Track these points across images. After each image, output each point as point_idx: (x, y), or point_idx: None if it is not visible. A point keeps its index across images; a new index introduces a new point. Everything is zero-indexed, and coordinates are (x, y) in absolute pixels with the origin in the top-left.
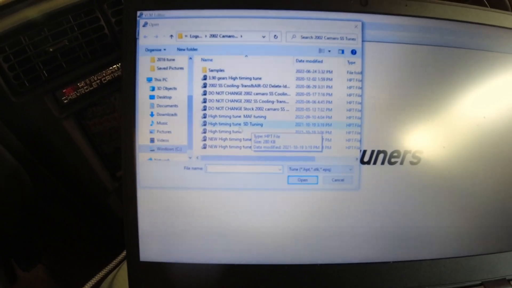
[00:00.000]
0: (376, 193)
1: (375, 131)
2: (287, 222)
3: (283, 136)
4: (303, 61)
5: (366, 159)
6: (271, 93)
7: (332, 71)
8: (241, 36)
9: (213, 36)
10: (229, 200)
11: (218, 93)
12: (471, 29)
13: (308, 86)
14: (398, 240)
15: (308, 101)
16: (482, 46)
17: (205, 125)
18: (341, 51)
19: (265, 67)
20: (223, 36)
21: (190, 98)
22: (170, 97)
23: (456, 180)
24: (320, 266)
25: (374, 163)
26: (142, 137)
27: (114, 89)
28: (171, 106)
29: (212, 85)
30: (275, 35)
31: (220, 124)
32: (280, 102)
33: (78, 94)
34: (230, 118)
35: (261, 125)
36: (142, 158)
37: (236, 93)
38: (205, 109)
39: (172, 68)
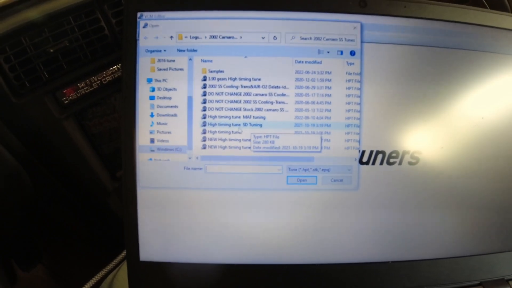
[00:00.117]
0: (374, 193)
1: (373, 132)
2: (286, 222)
3: (282, 137)
4: (302, 62)
5: (365, 159)
6: (270, 94)
7: (331, 72)
8: (241, 37)
9: (213, 37)
10: (228, 200)
11: (217, 93)
12: (470, 30)
13: (307, 87)
14: (397, 240)
15: (307, 102)
16: (481, 47)
17: (204, 125)
18: (340, 52)
19: (264, 68)
20: (223, 37)
21: (190, 99)
22: (170, 98)
23: (454, 180)
24: (319, 266)
25: (373, 163)
26: (142, 137)
27: (115, 89)
28: (171, 106)
29: (212, 86)
30: (274, 36)
31: (220, 124)
32: (280, 102)
33: (79, 95)
34: (230, 118)
35: (261, 125)
36: (142, 158)
37: (236, 94)
38: (204, 110)
39: (172, 69)
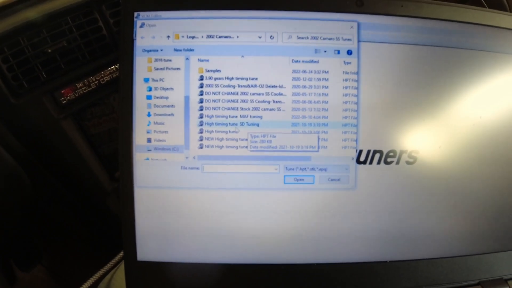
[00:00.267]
0: (372, 192)
1: (371, 131)
2: (284, 221)
3: (279, 136)
4: (299, 61)
5: (362, 158)
6: (267, 93)
7: (328, 72)
8: (238, 36)
9: (209, 36)
10: (225, 200)
11: (214, 93)
12: (468, 29)
13: (304, 86)
14: (395, 240)
15: (304, 101)
16: (479, 46)
17: (201, 125)
18: (337, 52)
19: (261, 68)
20: (220, 37)
21: (186, 98)
22: (167, 98)
23: (452, 179)
24: (316, 266)
25: (370, 162)
26: (139, 137)
27: (113, 89)
28: (168, 106)
29: (209, 86)
30: (271, 36)
31: (217, 124)
32: (276, 102)
33: (77, 95)
34: (227, 118)
35: (258, 125)
36: (139, 158)
37: (233, 93)
38: (201, 109)
39: (169, 69)
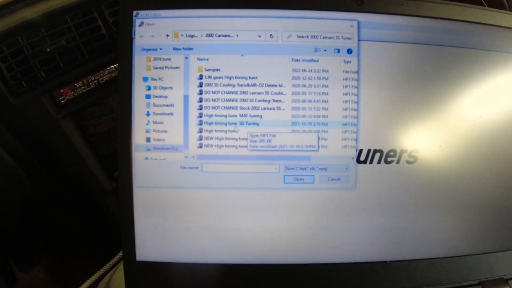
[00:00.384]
0: (372, 192)
1: (371, 130)
2: (284, 221)
3: (279, 135)
4: (299, 60)
5: (362, 158)
6: (267, 93)
7: (328, 70)
8: (237, 35)
9: (209, 35)
10: (225, 200)
11: (214, 92)
12: (468, 28)
13: (304, 86)
14: (395, 240)
15: (304, 100)
16: (479, 45)
17: (201, 124)
18: (337, 51)
19: (261, 67)
20: (219, 36)
21: (186, 98)
22: (166, 97)
23: (452, 179)
24: (316, 266)
25: (370, 162)
26: (138, 136)
27: (112, 89)
28: (167, 105)
29: (208, 85)
30: (271, 35)
31: (216, 123)
32: (276, 101)
33: (76, 94)
34: (226, 117)
35: (257, 124)
36: (138, 158)
37: (232, 93)
38: (201, 109)
39: (168, 68)
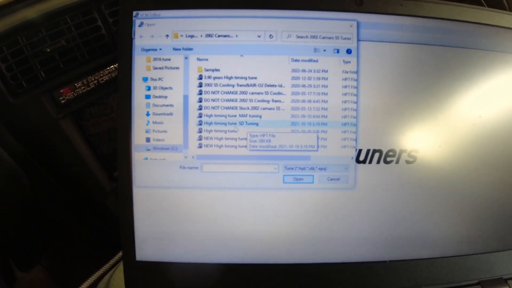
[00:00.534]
0: (371, 192)
1: (370, 130)
2: (283, 221)
3: (278, 135)
4: (299, 60)
5: (361, 158)
6: (266, 93)
7: (327, 71)
8: (237, 35)
9: (208, 35)
10: (224, 200)
11: (213, 92)
12: (468, 28)
13: (304, 86)
14: (395, 239)
15: (304, 101)
16: (479, 45)
17: (200, 124)
18: (336, 51)
19: (260, 67)
20: (219, 36)
21: (185, 98)
22: (166, 97)
23: (452, 179)
24: (316, 266)
25: (370, 162)
26: (138, 136)
27: (112, 89)
28: (167, 105)
29: (208, 85)
30: (270, 35)
31: (216, 123)
32: (276, 101)
33: (76, 94)
34: (226, 117)
35: (257, 124)
36: (138, 158)
37: (232, 93)
38: (200, 109)
39: (168, 68)
